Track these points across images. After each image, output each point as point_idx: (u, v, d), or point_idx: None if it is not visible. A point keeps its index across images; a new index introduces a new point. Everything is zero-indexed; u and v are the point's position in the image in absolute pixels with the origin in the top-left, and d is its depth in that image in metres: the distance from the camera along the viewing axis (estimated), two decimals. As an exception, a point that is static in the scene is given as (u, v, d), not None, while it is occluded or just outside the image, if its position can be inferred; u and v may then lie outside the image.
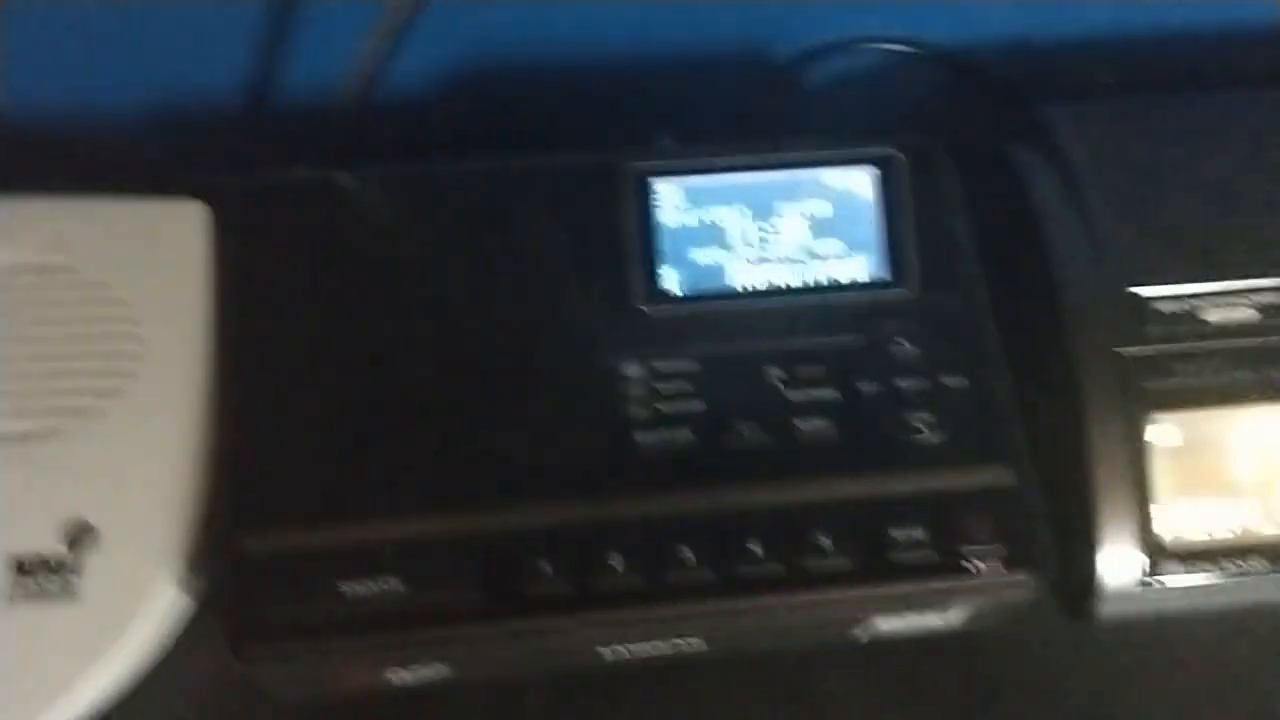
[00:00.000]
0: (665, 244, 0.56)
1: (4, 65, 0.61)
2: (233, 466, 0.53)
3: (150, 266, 0.57)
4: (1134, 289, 0.57)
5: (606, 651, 0.53)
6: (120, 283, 0.56)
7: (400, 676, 0.52)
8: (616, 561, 0.51)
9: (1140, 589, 0.55)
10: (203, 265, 0.57)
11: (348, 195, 0.58)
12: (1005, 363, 0.56)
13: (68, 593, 0.51)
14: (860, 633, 0.55)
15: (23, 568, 0.51)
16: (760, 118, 0.67)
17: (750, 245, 0.57)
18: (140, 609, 0.52)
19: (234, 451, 0.53)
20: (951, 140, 0.59)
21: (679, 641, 0.53)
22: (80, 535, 0.52)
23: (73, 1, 0.60)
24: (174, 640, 0.55)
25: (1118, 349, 0.56)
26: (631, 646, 0.53)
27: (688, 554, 0.51)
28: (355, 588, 0.50)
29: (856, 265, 0.57)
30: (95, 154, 0.64)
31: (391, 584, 0.50)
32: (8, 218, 0.57)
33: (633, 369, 0.55)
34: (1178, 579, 0.55)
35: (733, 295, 0.56)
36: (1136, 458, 0.55)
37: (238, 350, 0.55)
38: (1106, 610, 0.56)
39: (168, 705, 0.54)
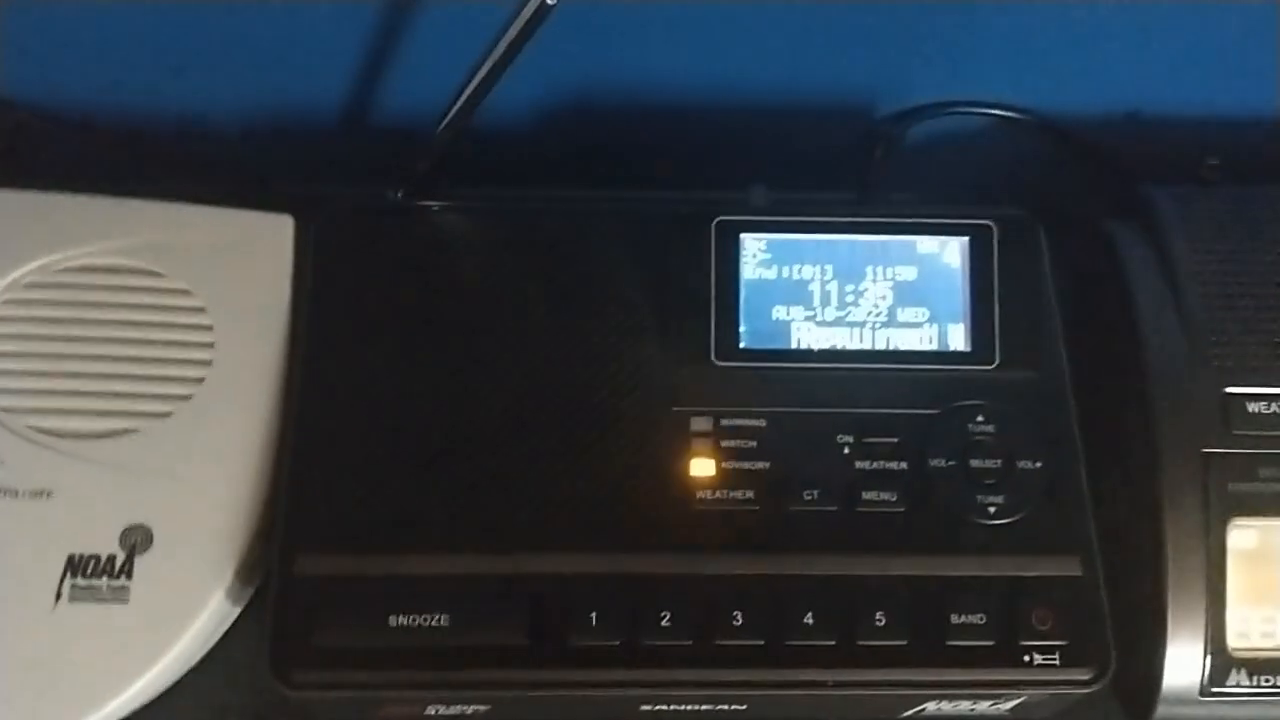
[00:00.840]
0: (746, 298, 0.55)
1: (110, 67, 0.62)
2: (293, 484, 0.53)
3: (234, 276, 0.57)
4: (1226, 388, 0.55)
5: (648, 708, 0.52)
6: (202, 290, 0.57)
7: (440, 712, 0.52)
8: (665, 619, 0.50)
9: (1204, 695, 0.53)
10: (286, 280, 0.58)
11: (435, 225, 0.58)
12: (1082, 448, 0.55)
13: (119, 596, 0.52)
14: (909, 715, 0.54)
15: (79, 568, 0.52)
16: (856, 173, 0.66)
17: (832, 306, 0.56)
18: (189, 617, 0.52)
19: (296, 469, 0.53)
20: (1048, 211, 0.58)
21: (723, 706, 0.52)
22: (137, 539, 0.52)
23: (183, 8, 0.60)
24: (219, 649, 0.55)
25: (1204, 448, 0.55)
26: (675, 707, 0.52)
27: (738, 618, 0.50)
28: (402, 620, 0.50)
29: (938, 335, 0.55)
30: (191, 160, 0.64)
31: (439, 620, 0.50)
32: (98, 217, 0.58)
33: (700, 423, 0.54)
34: (1243, 688, 0.53)
35: (809, 356, 0.55)
36: (1212, 559, 0.53)
37: (310, 369, 0.55)
38: (1166, 714, 0.54)
39: (209, 711, 0.55)
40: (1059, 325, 0.57)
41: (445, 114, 0.55)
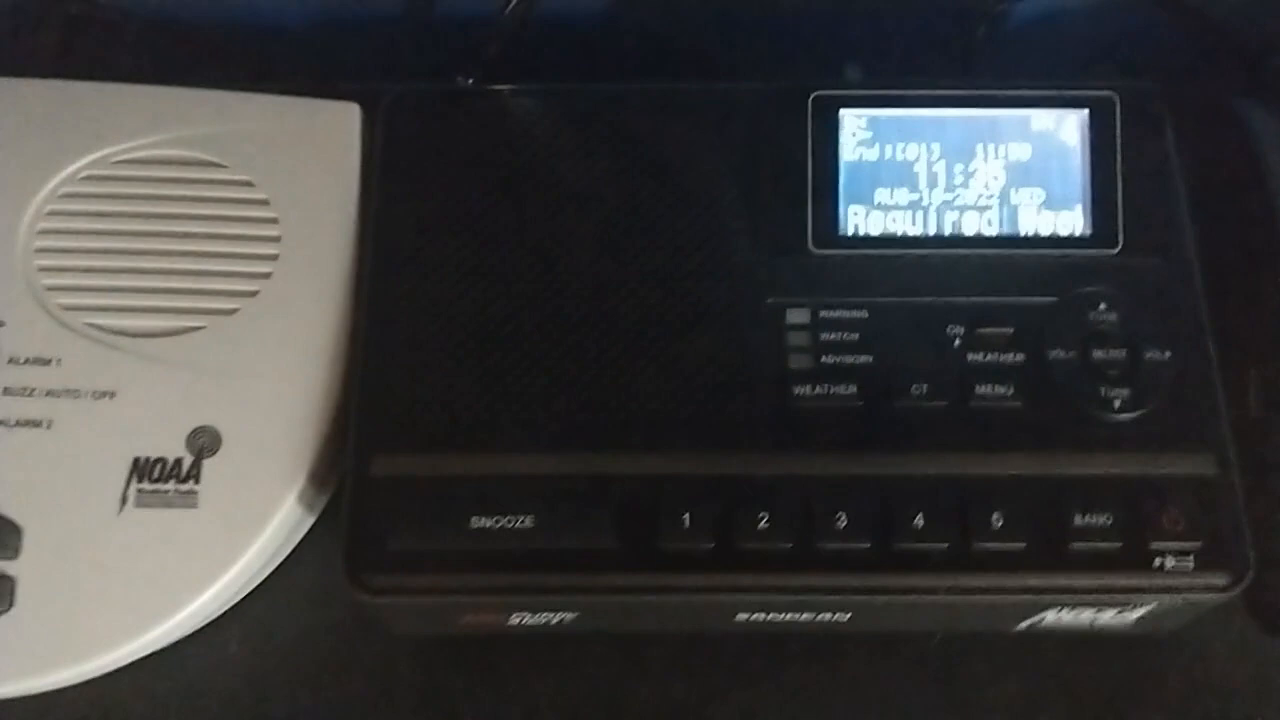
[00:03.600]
0: (846, 181, 0.51)
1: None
2: (366, 382, 0.50)
3: (299, 168, 0.54)
4: (1373, 269, 0.51)
5: (745, 618, 0.49)
6: (266, 182, 0.53)
7: (524, 621, 0.49)
8: (763, 522, 0.47)
9: (1350, 608, 0.49)
10: (353, 171, 0.54)
11: (509, 110, 0.54)
12: (1214, 338, 0.50)
13: (187, 500, 0.49)
14: (1025, 627, 0.50)
15: (145, 471, 0.49)
16: (957, 58, 0.61)
17: (940, 189, 0.51)
18: (260, 522, 0.49)
19: (369, 366, 0.50)
20: (1174, 89, 0.53)
21: (825, 616, 0.49)
22: (205, 441, 0.50)
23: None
24: (293, 556, 0.53)
25: (1350, 334, 0.50)
26: (772, 615, 0.49)
27: (842, 521, 0.47)
28: (484, 522, 0.47)
29: (1056, 219, 0.51)
30: (257, 53, 0.61)
31: (523, 522, 0.47)
32: (157, 107, 0.55)
33: (798, 315, 0.50)
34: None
35: (915, 242, 0.51)
36: (1359, 459, 0.49)
37: (381, 262, 0.52)
38: (1305, 625, 0.50)
39: (281, 622, 0.52)
40: (1187, 207, 0.52)
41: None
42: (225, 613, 0.51)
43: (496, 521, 0.47)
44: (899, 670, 0.52)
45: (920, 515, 0.47)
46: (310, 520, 0.53)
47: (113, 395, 0.50)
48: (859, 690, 0.52)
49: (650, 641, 0.52)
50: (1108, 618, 0.49)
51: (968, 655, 0.52)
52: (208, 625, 0.51)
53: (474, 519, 0.47)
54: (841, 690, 0.52)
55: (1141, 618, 0.49)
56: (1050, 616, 0.49)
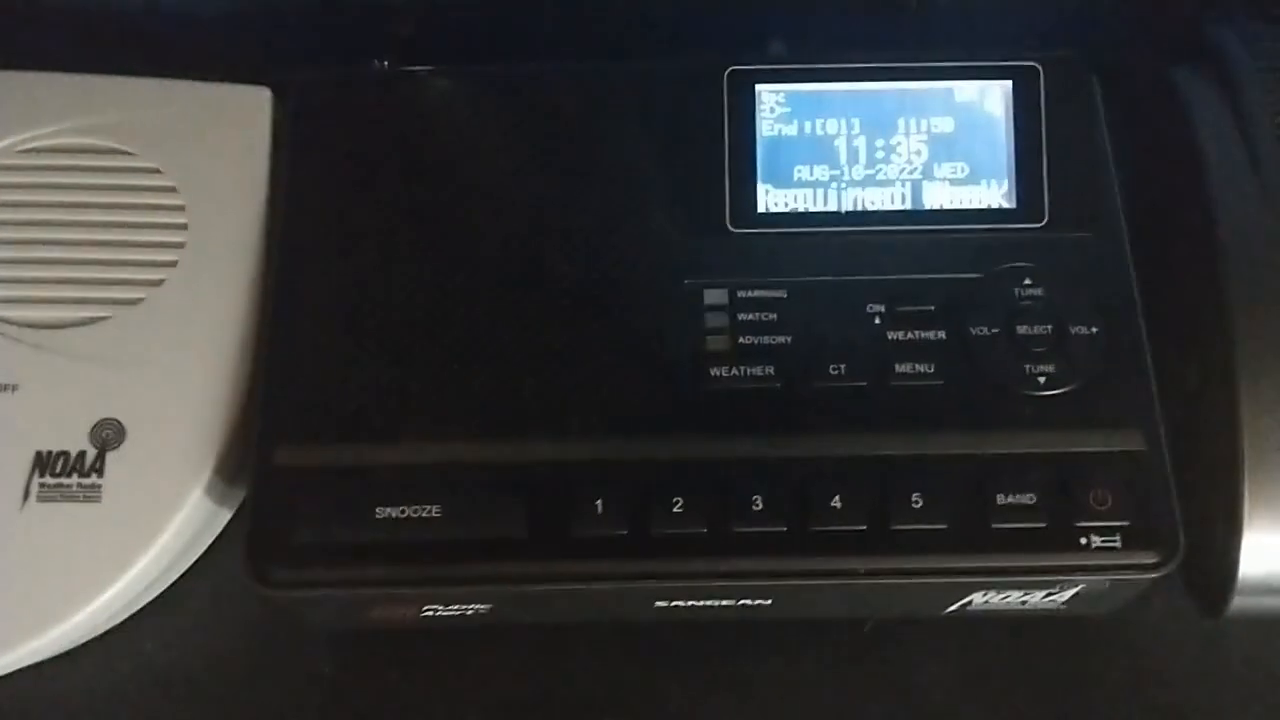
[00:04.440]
0: (764, 159, 0.50)
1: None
2: (271, 370, 0.48)
3: (207, 154, 0.53)
4: (1307, 238, 0.49)
5: (664, 605, 0.48)
6: (173, 169, 0.52)
7: (437, 614, 0.48)
8: (678, 505, 0.45)
9: (1286, 583, 0.48)
10: (263, 157, 0.53)
11: (421, 93, 0.53)
12: (1142, 312, 0.49)
13: (90, 495, 0.48)
14: (953, 611, 0.49)
15: (47, 466, 0.48)
16: (886, 29, 0.59)
17: (860, 164, 0.50)
18: (165, 517, 0.48)
19: (274, 354, 0.49)
20: (1100, 59, 0.52)
21: (745, 601, 0.48)
22: (108, 433, 0.49)
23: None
24: (206, 552, 0.52)
25: (1283, 305, 0.49)
26: (691, 603, 0.48)
27: (758, 503, 0.45)
28: (390, 512, 0.46)
29: (980, 193, 0.50)
30: (166, 39, 0.60)
31: (430, 511, 0.46)
32: (62, 95, 0.53)
33: (715, 296, 0.49)
34: (1333, 576, 0.48)
35: (836, 219, 0.50)
36: (1295, 431, 0.48)
37: (289, 249, 0.50)
38: (1243, 606, 0.48)
39: (193, 621, 0.51)
40: (1115, 180, 0.51)
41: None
42: (141, 610, 0.50)
43: (403, 511, 0.46)
44: (830, 657, 0.51)
45: (838, 497, 0.45)
46: (225, 515, 0.52)
47: (14, 388, 0.49)
48: (788, 678, 0.51)
49: (573, 631, 0.51)
50: (1037, 600, 0.48)
51: (902, 640, 0.51)
52: (120, 625, 0.50)
53: (380, 509, 0.46)
54: (771, 678, 0.51)
55: (1073, 599, 0.48)
56: (977, 599, 0.48)
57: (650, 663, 0.51)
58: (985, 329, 0.48)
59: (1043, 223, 0.50)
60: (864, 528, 0.45)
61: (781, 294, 0.49)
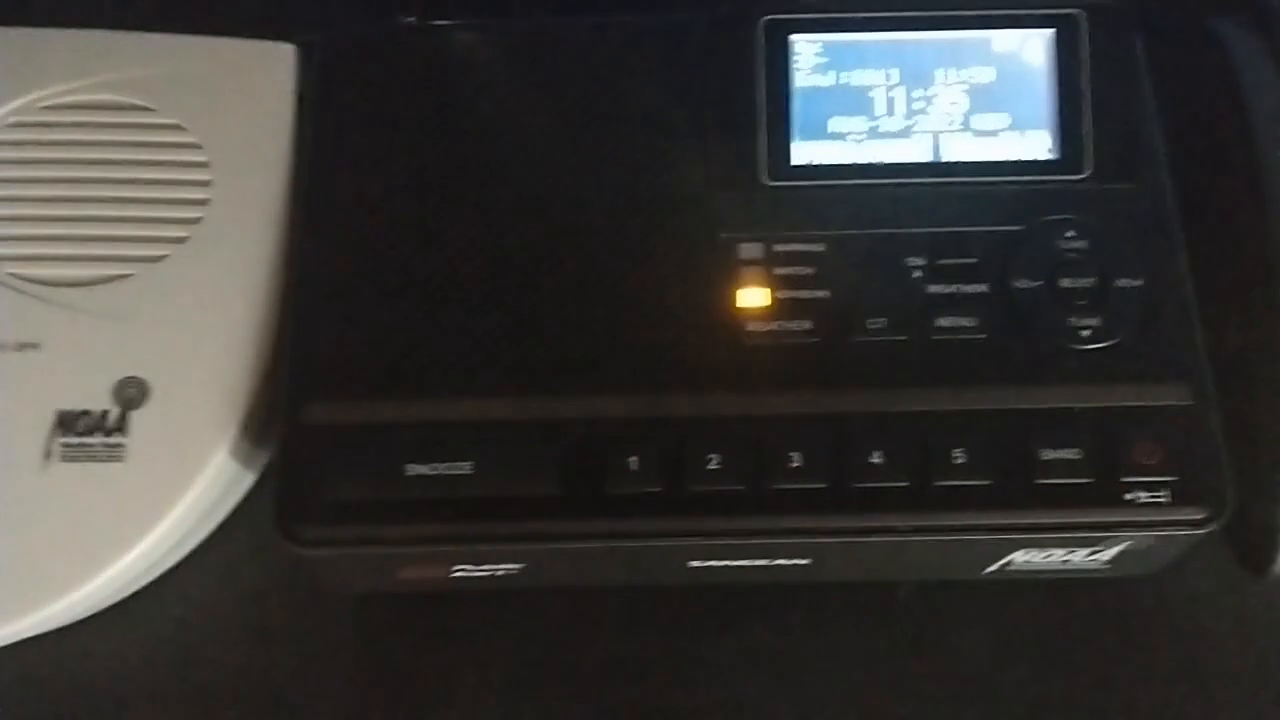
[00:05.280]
0: (799, 110, 0.49)
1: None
2: (299, 326, 0.47)
3: (231, 110, 0.52)
4: (1356, 188, 0.48)
5: (698, 565, 0.47)
6: (196, 125, 0.51)
7: (468, 575, 0.47)
8: (714, 462, 0.44)
9: (1337, 545, 0.47)
10: (288, 112, 0.52)
11: (448, 48, 0.52)
12: (1188, 265, 0.48)
13: (114, 454, 0.47)
14: (994, 570, 0.48)
15: (69, 425, 0.47)
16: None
17: (898, 116, 0.49)
18: (190, 476, 0.47)
19: (302, 310, 0.48)
20: (1146, 7, 0.50)
21: (782, 562, 0.47)
22: (132, 392, 0.48)
23: None
24: (233, 514, 0.51)
25: (1332, 256, 0.47)
26: (726, 562, 0.47)
27: (797, 460, 0.44)
28: (421, 469, 0.45)
29: (1022, 143, 0.49)
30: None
31: (462, 468, 0.45)
32: (84, 50, 0.53)
33: (751, 250, 0.48)
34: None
35: (872, 172, 0.49)
36: (1345, 386, 0.47)
37: (315, 205, 0.49)
38: (1291, 564, 0.47)
39: (218, 583, 0.50)
40: (1159, 131, 0.50)
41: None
42: (169, 572, 0.50)
43: (434, 469, 0.45)
44: (865, 621, 0.50)
45: (878, 453, 0.44)
46: (251, 476, 0.51)
47: (36, 346, 0.48)
48: (822, 642, 0.50)
49: (605, 594, 0.50)
50: (1080, 559, 0.47)
51: (938, 605, 0.50)
52: (149, 586, 0.49)
53: (410, 466, 0.45)
54: (806, 643, 0.50)
55: (1117, 558, 0.47)
56: (1019, 558, 0.46)
57: (674, 627, 0.50)
58: (1028, 282, 0.47)
59: (1086, 174, 0.48)
60: (905, 484, 0.44)
61: (819, 248, 0.48)
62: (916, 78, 0.49)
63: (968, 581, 0.49)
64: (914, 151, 0.49)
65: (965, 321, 0.47)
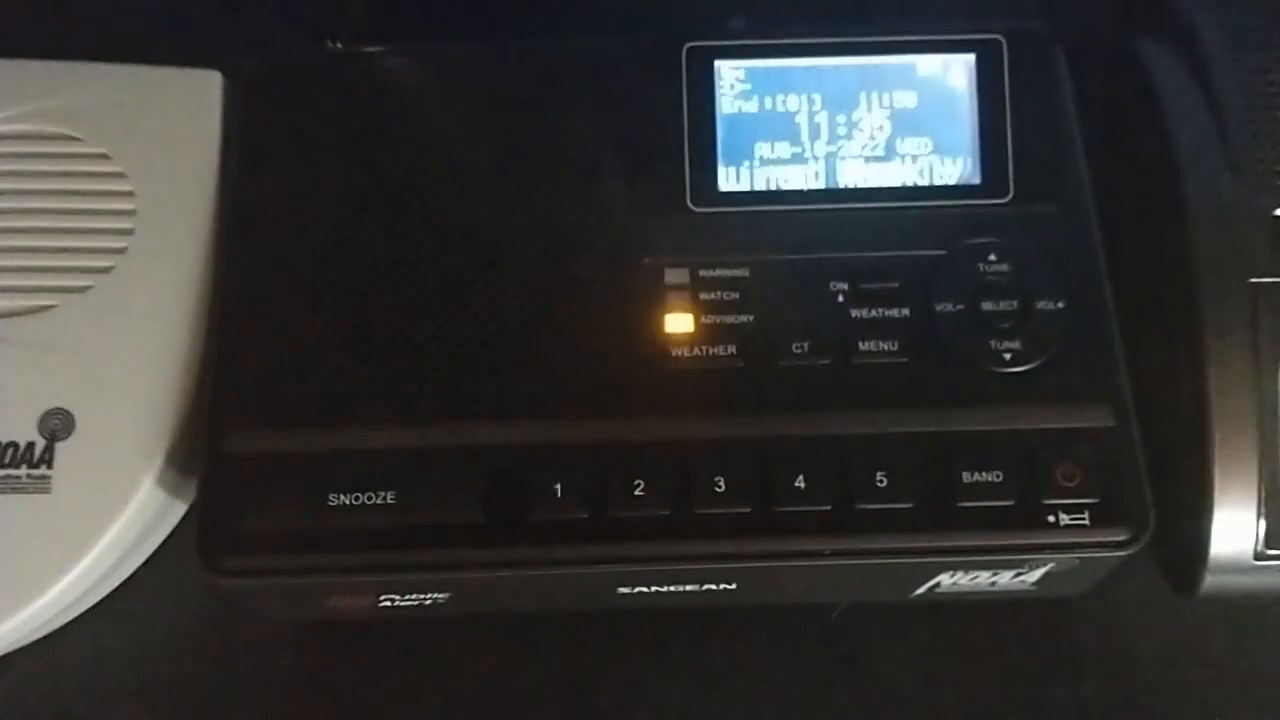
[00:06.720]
0: (724, 136, 0.49)
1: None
2: (222, 355, 0.47)
3: (158, 138, 0.52)
4: (1276, 210, 0.48)
5: (626, 592, 0.47)
6: (122, 154, 0.51)
7: (395, 604, 0.47)
8: (639, 488, 0.44)
9: (1259, 560, 0.47)
10: (214, 141, 0.52)
11: (373, 73, 0.52)
12: (1109, 288, 0.48)
13: (39, 486, 0.47)
14: (919, 591, 0.48)
15: (-7, 456, 0.47)
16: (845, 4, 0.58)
17: (822, 140, 0.49)
18: (116, 507, 0.47)
19: (224, 339, 0.47)
20: (1066, 28, 0.51)
21: (710, 586, 0.47)
22: (57, 423, 0.47)
23: None
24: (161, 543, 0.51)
25: (1252, 277, 0.48)
26: (654, 588, 0.47)
27: (720, 484, 0.45)
28: (343, 499, 0.45)
29: (944, 167, 0.49)
30: (115, 23, 0.58)
31: (384, 497, 0.45)
32: (11, 81, 0.52)
33: (675, 275, 0.48)
34: (1303, 554, 0.47)
35: (798, 197, 0.49)
36: (1264, 405, 0.47)
37: (239, 233, 0.49)
38: (1216, 584, 0.48)
39: (149, 613, 0.50)
40: (1082, 153, 0.50)
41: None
42: (99, 604, 0.50)
43: (356, 498, 0.45)
44: (798, 642, 0.50)
45: (801, 477, 0.45)
46: (180, 507, 0.51)
47: (-40, 378, 0.48)
48: (756, 663, 0.50)
49: (540, 619, 0.50)
50: (1006, 580, 0.47)
51: (871, 625, 0.50)
52: (78, 618, 0.49)
53: (332, 496, 0.45)
54: (741, 665, 0.50)
55: (1043, 579, 0.47)
56: (946, 580, 0.47)
57: (602, 652, 0.50)
58: (950, 305, 0.47)
59: (1008, 198, 0.49)
60: (828, 508, 0.44)
61: (743, 273, 0.48)
62: (840, 103, 0.50)
63: (901, 602, 0.50)
64: (838, 176, 0.49)
65: (887, 345, 0.47)
